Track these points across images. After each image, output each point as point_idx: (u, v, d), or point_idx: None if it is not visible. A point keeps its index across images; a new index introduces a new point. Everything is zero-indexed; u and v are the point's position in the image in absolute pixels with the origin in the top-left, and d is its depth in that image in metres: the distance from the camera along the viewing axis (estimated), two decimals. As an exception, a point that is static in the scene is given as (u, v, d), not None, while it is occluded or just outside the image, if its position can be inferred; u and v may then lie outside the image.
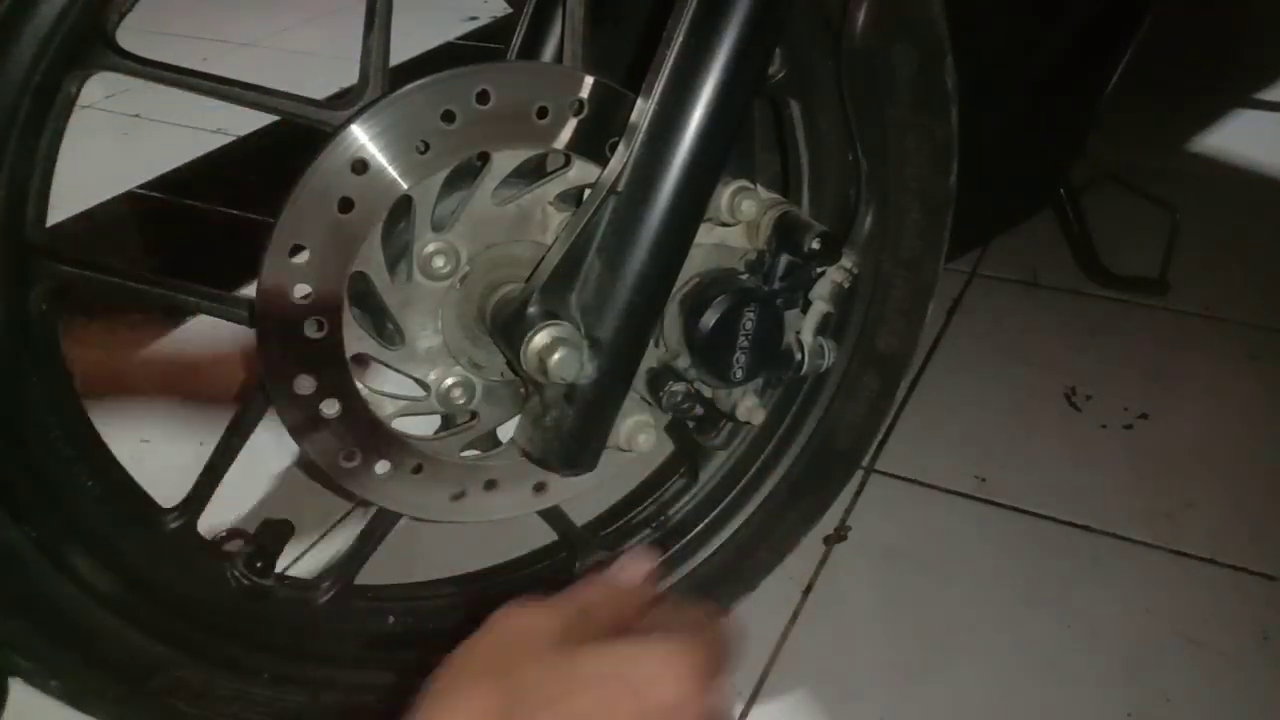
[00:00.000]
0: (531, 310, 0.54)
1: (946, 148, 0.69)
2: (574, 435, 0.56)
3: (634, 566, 0.48)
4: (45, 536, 0.54)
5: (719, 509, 0.77)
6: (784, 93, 0.68)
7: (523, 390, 0.60)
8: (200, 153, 1.66)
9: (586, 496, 0.68)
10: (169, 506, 0.60)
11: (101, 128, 1.67)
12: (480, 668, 0.39)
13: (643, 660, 0.39)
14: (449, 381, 0.59)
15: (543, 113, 0.55)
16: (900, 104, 0.67)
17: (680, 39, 0.52)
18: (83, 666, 0.56)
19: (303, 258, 0.52)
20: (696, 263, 0.60)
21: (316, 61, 2.10)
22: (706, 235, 0.60)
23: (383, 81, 0.52)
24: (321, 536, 0.92)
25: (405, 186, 0.53)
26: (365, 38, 0.53)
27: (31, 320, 0.53)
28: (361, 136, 0.51)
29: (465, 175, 0.56)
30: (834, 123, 0.68)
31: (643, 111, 0.53)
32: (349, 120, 0.51)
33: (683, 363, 0.61)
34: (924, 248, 0.72)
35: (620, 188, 0.53)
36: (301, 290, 0.52)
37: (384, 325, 0.57)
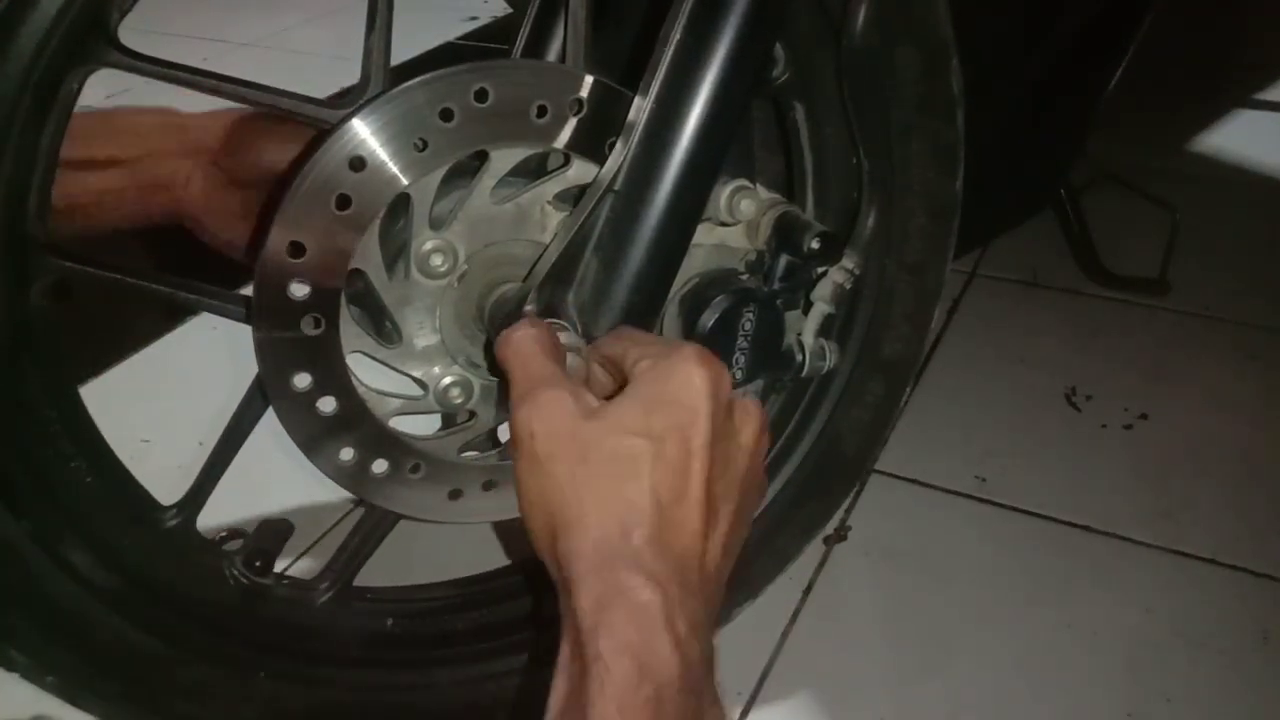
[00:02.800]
0: (528, 309, 0.54)
1: (952, 151, 0.69)
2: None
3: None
4: (43, 531, 0.54)
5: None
6: (788, 95, 0.68)
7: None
8: (200, 153, 1.66)
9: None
10: (168, 504, 0.60)
11: (102, 128, 1.67)
12: (541, 458, 0.44)
13: (660, 378, 0.44)
14: (447, 380, 0.59)
15: (541, 111, 0.55)
16: (904, 106, 0.67)
17: (677, 37, 0.52)
18: (79, 662, 0.56)
19: (300, 255, 0.52)
20: (696, 262, 0.60)
21: (317, 61, 2.10)
22: (706, 235, 0.60)
23: (384, 80, 0.52)
24: (321, 536, 0.92)
25: (403, 184, 0.53)
26: (367, 37, 0.53)
27: (32, 315, 0.53)
28: (359, 133, 0.51)
29: (464, 174, 0.56)
30: (838, 124, 0.68)
31: (640, 110, 0.53)
32: (347, 117, 0.51)
33: (681, 362, 0.61)
34: (929, 252, 0.72)
35: (617, 186, 0.53)
36: (299, 288, 0.52)
37: (382, 323, 0.57)
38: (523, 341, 0.47)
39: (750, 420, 0.47)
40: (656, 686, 0.39)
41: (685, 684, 0.40)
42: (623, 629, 0.39)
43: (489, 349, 0.55)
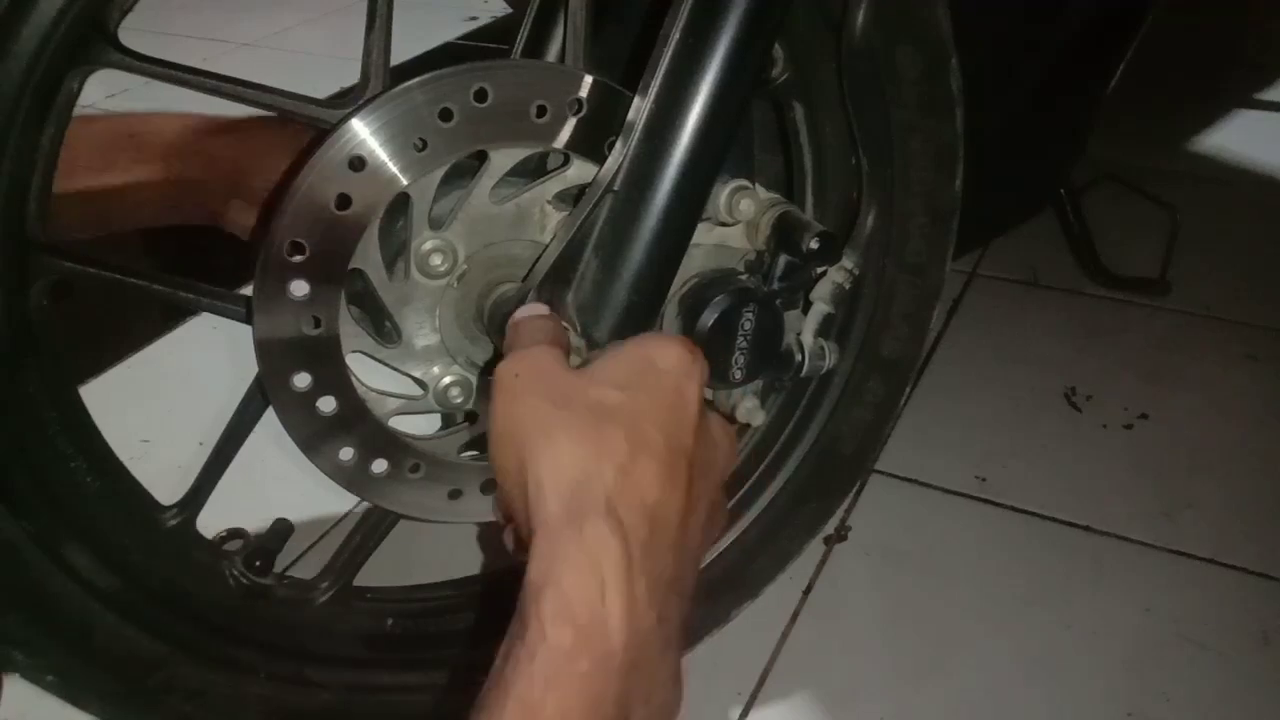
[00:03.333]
0: None
1: (952, 151, 0.69)
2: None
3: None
4: (43, 532, 0.54)
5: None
6: (788, 95, 0.68)
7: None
8: (200, 153, 1.66)
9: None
10: (168, 504, 0.60)
11: (102, 128, 1.67)
12: (520, 395, 0.43)
13: (644, 343, 0.46)
14: (446, 380, 0.59)
15: (541, 111, 0.55)
16: (904, 106, 0.67)
17: (677, 37, 0.52)
18: (80, 662, 0.56)
19: (300, 255, 0.52)
20: (695, 262, 0.60)
21: (317, 61, 2.10)
22: (706, 235, 0.60)
23: (383, 80, 0.52)
24: (321, 537, 0.92)
25: (403, 184, 0.53)
26: (366, 37, 0.53)
27: (32, 316, 0.53)
28: (359, 133, 0.51)
29: (464, 174, 0.56)
30: (837, 124, 0.68)
31: (639, 110, 0.53)
32: (347, 117, 0.51)
33: (681, 362, 0.61)
34: (929, 252, 0.72)
35: (616, 186, 0.53)
36: (299, 288, 0.52)
37: (381, 323, 0.57)
38: (534, 318, 0.49)
39: (728, 435, 0.47)
40: (594, 660, 0.36)
41: (630, 658, 0.37)
42: (571, 588, 0.37)
43: (498, 333, 0.56)
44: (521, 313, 0.51)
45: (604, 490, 0.39)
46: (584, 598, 0.37)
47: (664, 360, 0.44)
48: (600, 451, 0.40)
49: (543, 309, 0.52)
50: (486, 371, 0.60)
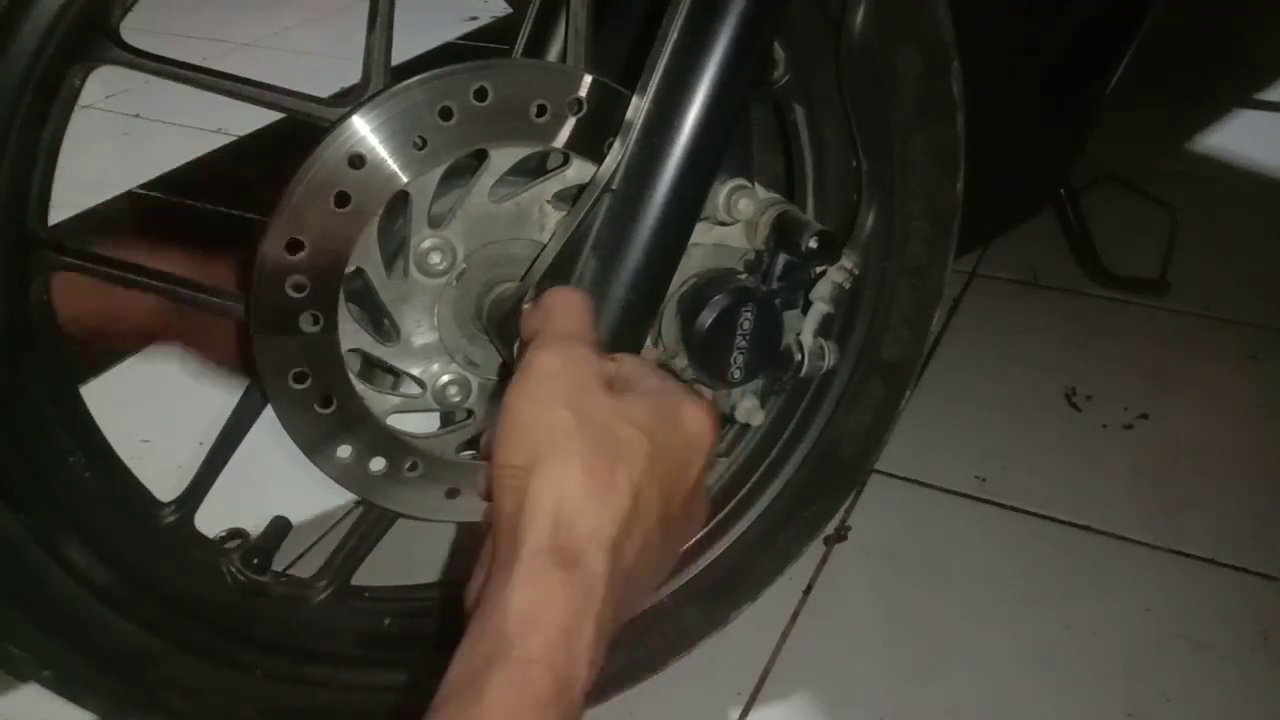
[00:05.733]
0: (526, 307, 0.53)
1: (953, 154, 0.69)
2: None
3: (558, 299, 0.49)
4: (41, 527, 0.54)
5: (721, 516, 0.76)
6: (788, 97, 0.68)
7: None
8: (200, 152, 1.66)
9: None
10: (166, 501, 0.60)
11: (102, 127, 1.67)
12: (551, 396, 0.43)
13: (679, 396, 0.45)
14: (445, 379, 0.59)
15: (541, 111, 0.55)
16: (904, 107, 0.67)
17: (675, 36, 0.52)
18: (76, 658, 0.56)
19: (299, 252, 0.52)
20: (695, 262, 0.60)
21: (316, 61, 2.10)
22: (705, 235, 0.60)
23: (384, 79, 0.52)
24: (321, 536, 0.92)
25: (402, 182, 0.53)
26: (368, 35, 0.53)
27: (32, 312, 0.53)
28: (359, 131, 0.51)
29: (463, 172, 0.56)
30: (837, 126, 0.68)
31: (637, 109, 0.53)
32: (347, 114, 0.51)
33: (680, 362, 0.61)
34: (930, 254, 0.72)
35: (615, 185, 0.53)
36: (298, 285, 0.52)
37: (380, 321, 0.57)
38: (579, 300, 0.48)
39: (705, 511, 0.48)
40: (561, 712, 0.37)
41: (578, 706, 0.38)
42: (559, 637, 0.38)
43: (496, 332, 0.55)
44: (563, 290, 0.50)
45: (602, 539, 0.40)
46: (570, 649, 0.38)
47: (690, 422, 0.44)
48: (606, 496, 0.41)
49: (580, 295, 0.50)
50: (506, 369, 0.59)
